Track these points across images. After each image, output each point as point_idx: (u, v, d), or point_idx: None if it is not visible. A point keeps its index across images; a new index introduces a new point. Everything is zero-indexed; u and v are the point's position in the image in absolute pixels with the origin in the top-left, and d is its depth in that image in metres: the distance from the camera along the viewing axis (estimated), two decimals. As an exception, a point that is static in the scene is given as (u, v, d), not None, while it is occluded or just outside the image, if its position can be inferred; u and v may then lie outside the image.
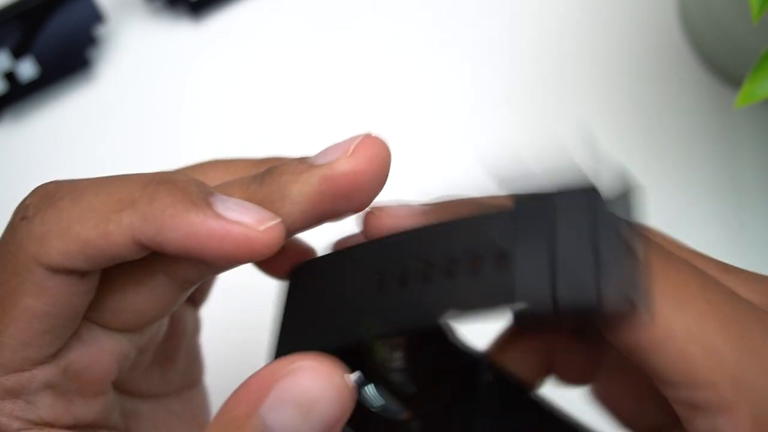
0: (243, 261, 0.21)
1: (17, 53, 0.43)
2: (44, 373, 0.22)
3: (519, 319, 0.18)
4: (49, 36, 0.43)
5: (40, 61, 0.43)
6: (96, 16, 0.43)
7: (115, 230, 0.20)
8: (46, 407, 0.22)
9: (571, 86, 0.44)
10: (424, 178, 0.43)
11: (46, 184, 0.22)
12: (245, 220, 0.20)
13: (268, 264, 0.25)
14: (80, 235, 0.20)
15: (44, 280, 0.21)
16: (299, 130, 0.44)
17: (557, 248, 0.18)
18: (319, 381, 0.19)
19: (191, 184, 0.21)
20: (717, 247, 0.42)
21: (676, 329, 0.19)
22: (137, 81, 0.45)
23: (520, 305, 0.18)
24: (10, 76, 0.43)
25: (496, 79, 0.45)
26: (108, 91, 0.45)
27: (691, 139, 0.43)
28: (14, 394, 0.21)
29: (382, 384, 0.22)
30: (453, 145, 0.44)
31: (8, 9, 0.42)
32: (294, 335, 0.22)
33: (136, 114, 0.44)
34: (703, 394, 0.18)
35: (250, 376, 0.19)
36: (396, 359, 0.22)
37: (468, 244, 0.19)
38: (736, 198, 0.42)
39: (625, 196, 0.18)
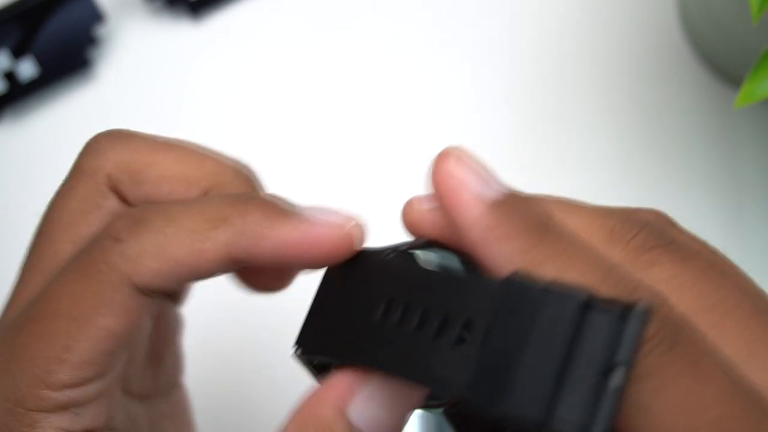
0: (331, 261, 0.22)
1: (17, 53, 0.43)
2: (96, 387, 0.22)
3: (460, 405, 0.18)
4: (48, 36, 0.43)
5: (40, 60, 0.43)
6: (96, 16, 0.43)
7: (210, 247, 0.21)
8: (92, 416, 0.22)
9: (571, 86, 0.44)
10: (424, 179, 0.43)
11: (131, 210, 0.23)
12: (334, 220, 0.23)
13: (254, 276, 0.25)
14: (175, 255, 0.21)
15: (129, 300, 0.21)
16: (299, 129, 0.44)
17: (525, 349, 0.17)
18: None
19: (275, 198, 0.23)
20: (716, 246, 0.42)
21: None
22: (137, 81, 0.45)
23: (466, 396, 0.18)
24: (10, 76, 0.43)
25: (496, 78, 0.45)
26: (108, 91, 0.45)
27: (691, 139, 0.43)
28: (65, 407, 0.22)
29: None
30: (453, 143, 0.44)
31: (8, 9, 0.42)
32: (315, 332, 0.22)
33: (135, 114, 0.44)
34: None
35: (331, 378, 0.20)
36: None
37: (447, 304, 0.19)
38: (736, 198, 0.42)
39: (630, 323, 0.17)
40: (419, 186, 0.44)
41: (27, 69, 0.43)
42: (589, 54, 0.45)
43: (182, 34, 0.46)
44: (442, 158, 0.22)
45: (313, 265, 0.22)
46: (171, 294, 0.24)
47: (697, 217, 0.42)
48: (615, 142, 0.43)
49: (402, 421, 0.20)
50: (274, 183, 0.43)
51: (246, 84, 0.45)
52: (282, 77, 0.45)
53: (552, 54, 0.45)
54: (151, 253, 0.21)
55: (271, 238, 0.22)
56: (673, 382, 0.18)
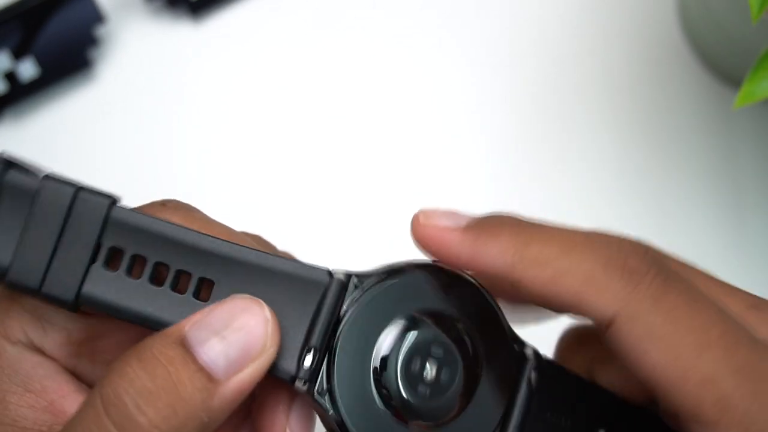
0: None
1: (18, 53, 0.43)
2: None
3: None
4: (49, 36, 0.43)
5: (41, 61, 0.43)
6: (96, 16, 0.43)
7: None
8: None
9: (571, 86, 0.44)
10: (424, 179, 0.43)
11: None
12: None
13: None
14: None
15: None
16: (299, 129, 0.44)
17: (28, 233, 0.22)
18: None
19: None
20: (717, 246, 0.42)
21: (692, 375, 0.21)
22: (137, 81, 0.45)
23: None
24: (11, 76, 0.43)
25: (496, 78, 0.45)
26: (108, 91, 0.45)
27: (690, 139, 0.43)
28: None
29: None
30: (454, 144, 0.44)
31: (8, 9, 0.42)
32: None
33: (136, 114, 0.45)
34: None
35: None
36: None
37: None
38: (736, 198, 0.42)
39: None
40: (419, 186, 0.44)
41: (27, 69, 0.43)
42: (589, 54, 0.45)
43: (182, 34, 0.46)
44: (413, 223, 0.25)
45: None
46: None
47: (697, 216, 0.42)
48: (615, 142, 0.43)
49: None
50: (274, 183, 0.43)
51: (246, 84, 0.45)
52: (282, 77, 0.45)
53: (552, 54, 0.45)
54: None
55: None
56: (676, 310, 0.22)
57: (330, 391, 0.23)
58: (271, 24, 0.46)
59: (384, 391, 0.23)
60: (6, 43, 0.42)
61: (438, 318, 0.24)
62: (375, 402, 0.23)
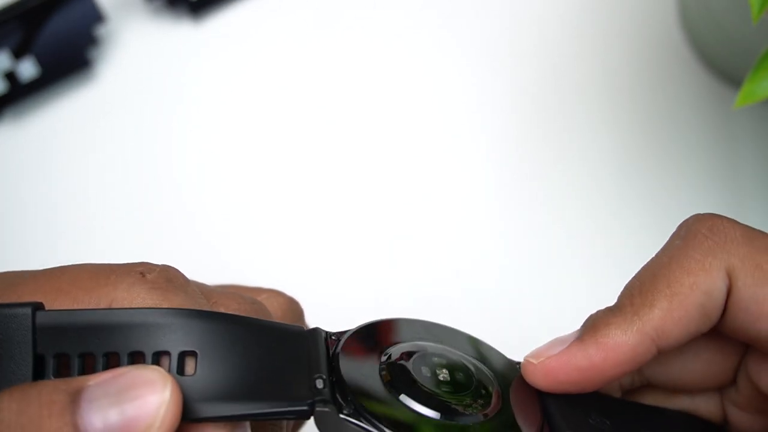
0: None
1: (18, 53, 0.43)
2: None
3: None
4: (49, 36, 0.43)
5: (41, 61, 0.43)
6: (96, 16, 0.43)
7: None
8: None
9: (571, 86, 0.44)
10: (424, 178, 0.43)
11: None
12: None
13: None
14: None
15: None
16: (299, 129, 0.44)
17: None
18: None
19: None
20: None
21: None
22: (137, 81, 0.45)
23: None
24: (11, 76, 0.43)
25: (497, 78, 0.45)
26: (108, 91, 0.45)
27: (691, 139, 0.43)
28: None
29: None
30: (454, 144, 0.44)
31: (8, 9, 0.42)
32: None
33: (136, 113, 0.45)
34: None
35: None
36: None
37: None
38: (736, 197, 0.42)
39: None
40: (419, 185, 0.44)
41: (27, 69, 0.43)
42: (589, 54, 0.45)
43: (182, 34, 0.46)
44: (528, 371, 0.24)
45: None
46: None
47: (697, 217, 0.42)
48: (615, 141, 0.43)
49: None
50: (274, 183, 0.43)
51: (246, 84, 0.45)
52: (282, 77, 0.45)
53: (552, 54, 0.45)
54: None
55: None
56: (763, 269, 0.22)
57: (355, 407, 0.22)
58: (271, 24, 0.46)
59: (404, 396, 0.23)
60: (6, 42, 0.42)
61: (435, 349, 0.24)
62: (404, 405, 0.23)
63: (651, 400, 0.26)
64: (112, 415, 0.20)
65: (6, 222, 0.42)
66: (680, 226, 0.24)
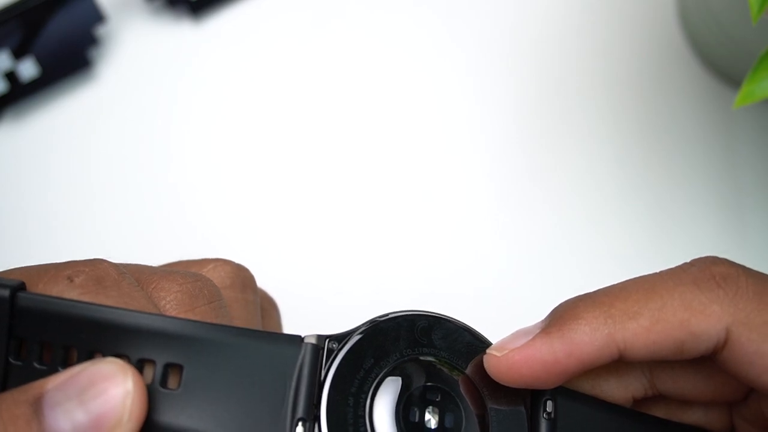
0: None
1: (18, 53, 0.43)
2: None
3: None
4: (49, 36, 0.43)
5: (41, 60, 0.43)
6: (97, 16, 0.43)
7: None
8: None
9: (571, 87, 0.44)
10: (424, 178, 0.43)
11: None
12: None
13: None
14: None
15: None
16: (299, 129, 0.44)
17: None
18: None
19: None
20: (717, 246, 0.42)
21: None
22: (138, 81, 0.45)
23: None
24: (11, 76, 0.43)
25: (497, 79, 0.45)
26: (108, 91, 0.45)
27: (690, 139, 0.43)
28: None
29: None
30: (454, 143, 0.44)
31: (9, 9, 0.42)
32: None
33: (136, 114, 0.45)
34: None
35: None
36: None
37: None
38: (736, 197, 0.42)
39: None
40: (419, 185, 0.44)
41: (28, 69, 0.43)
42: (589, 55, 0.45)
43: (183, 34, 0.46)
44: (491, 363, 0.23)
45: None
46: None
47: (697, 216, 0.42)
48: (615, 142, 0.43)
49: None
50: (274, 183, 0.43)
51: (246, 84, 0.45)
52: (282, 77, 0.45)
53: (552, 55, 0.45)
54: None
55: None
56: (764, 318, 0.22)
57: None
58: (271, 24, 0.46)
59: None
60: (6, 42, 0.42)
61: (426, 363, 0.23)
62: None
63: (663, 411, 0.26)
64: (79, 416, 0.19)
65: (6, 222, 0.42)
66: (694, 262, 0.24)
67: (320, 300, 0.40)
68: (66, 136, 0.44)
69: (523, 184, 0.43)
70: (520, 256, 0.41)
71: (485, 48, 0.45)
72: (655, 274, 0.23)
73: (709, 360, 0.23)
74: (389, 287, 0.40)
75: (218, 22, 0.46)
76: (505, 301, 0.40)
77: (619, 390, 0.25)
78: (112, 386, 0.20)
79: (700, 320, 0.22)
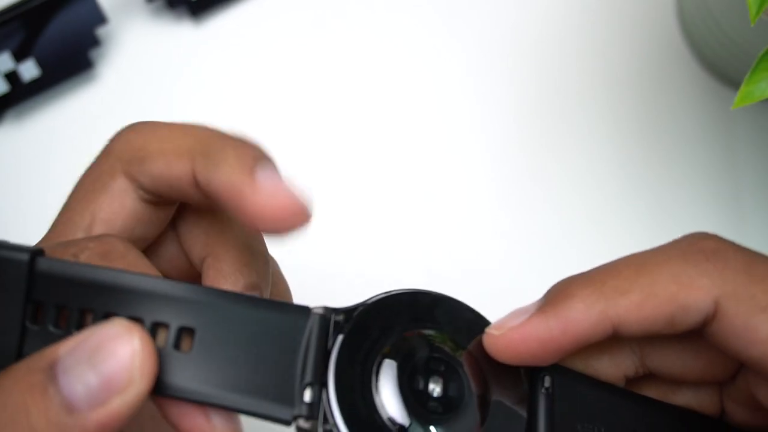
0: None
1: (19, 54, 0.43)
2: None
3: None
4: (50, 37, 0.43)
5: (42, 61, 0.43)
6: (98, 17, 0.44)
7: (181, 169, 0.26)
8: None
9: (571, 87, 0.44)
10: (424, 178, 0.43)
11: None
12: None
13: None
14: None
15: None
16: (300, 130, 0.44)
17: None
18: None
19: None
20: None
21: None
22: (138, 81, 0.45)
23: None
24: (12, 77, 0.43)
25: (497, 79, 0.45)
26: (109, 92, 0.45)
27: (690, 140, 0.43)
28: None
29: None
30: (455, 143, 0.44)
31: (10, 9, 0.42)
32: None
33: (137, 114, 0.44)
34: None
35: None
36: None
37: None
38: (735, 197, 0.42)
39: None
40: (419, 185, 0.44)
41: (29, 70, 0.43)
42: (589, 55, 0.45)
43: (183, 34, 0.46)
44: (490, 342, 0.23)
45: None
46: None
47: (697, 216, 0.42)
48: (615, 142, 0.43)
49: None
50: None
51: (246, 84, 0.45)
52: (282, 77, 0.45)
53: (552, 55, 0.45)
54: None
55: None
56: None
57: (336, 425, 0.22)
58: (270, 24, 0.46)
59: (390, 418, 0.22)
60: (7, 43, 0.42)
61: (430, 336, 0.24)
62: (385, 428, 0.22)
63: (654, 392, 0.26)
64: (91, 378, 0.20)
65: (6, 222, 0.43)
66: (684, 238, 0.24)
67: (328, 276, 0.40)
68: (67, 136, 0.44)
69: (524, 183, 0.43)
70: (521, 255, 0.41)
71: (486, 48, 0.45)
72: (646, 251, 0.24)
73: (698, 337, 0.24)
74: (389, 287, 0.40)
75: (218, 23, 0.46)
76: (505, 300, 0.40)
77: (611, 368, 0.25)
78: (119, 346, 0.20)
79: (689, 293, 0.22)
